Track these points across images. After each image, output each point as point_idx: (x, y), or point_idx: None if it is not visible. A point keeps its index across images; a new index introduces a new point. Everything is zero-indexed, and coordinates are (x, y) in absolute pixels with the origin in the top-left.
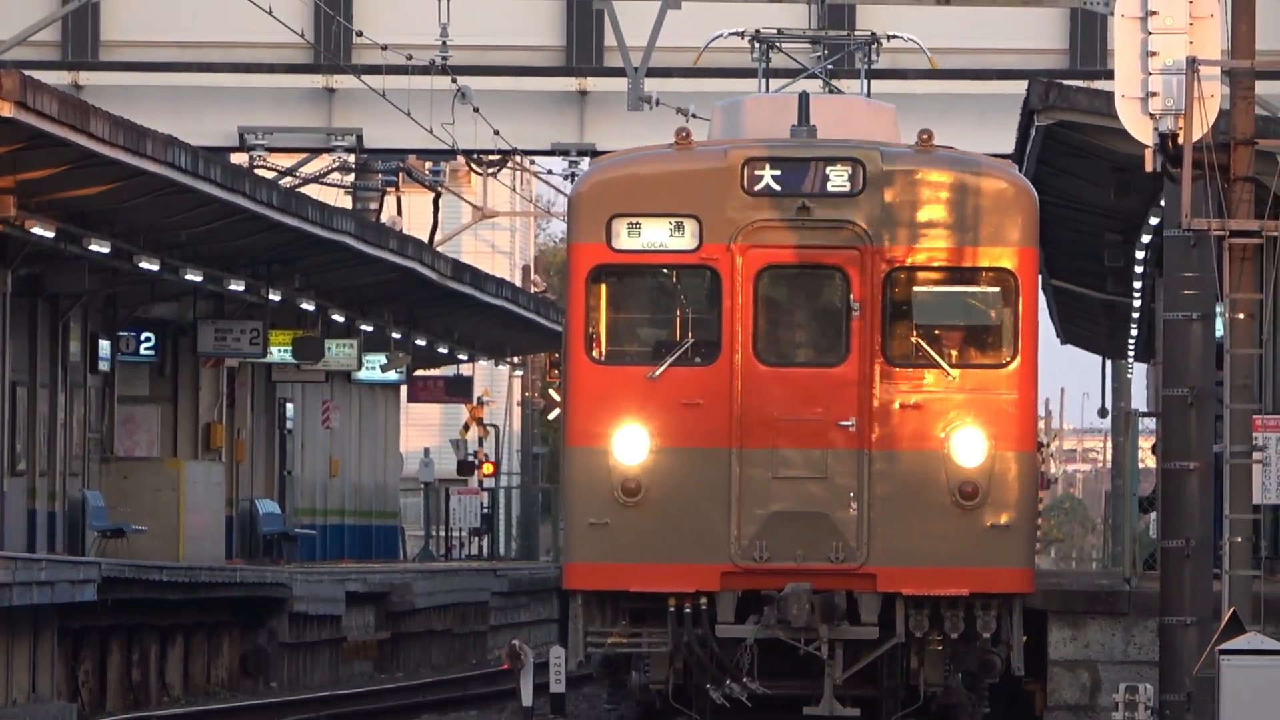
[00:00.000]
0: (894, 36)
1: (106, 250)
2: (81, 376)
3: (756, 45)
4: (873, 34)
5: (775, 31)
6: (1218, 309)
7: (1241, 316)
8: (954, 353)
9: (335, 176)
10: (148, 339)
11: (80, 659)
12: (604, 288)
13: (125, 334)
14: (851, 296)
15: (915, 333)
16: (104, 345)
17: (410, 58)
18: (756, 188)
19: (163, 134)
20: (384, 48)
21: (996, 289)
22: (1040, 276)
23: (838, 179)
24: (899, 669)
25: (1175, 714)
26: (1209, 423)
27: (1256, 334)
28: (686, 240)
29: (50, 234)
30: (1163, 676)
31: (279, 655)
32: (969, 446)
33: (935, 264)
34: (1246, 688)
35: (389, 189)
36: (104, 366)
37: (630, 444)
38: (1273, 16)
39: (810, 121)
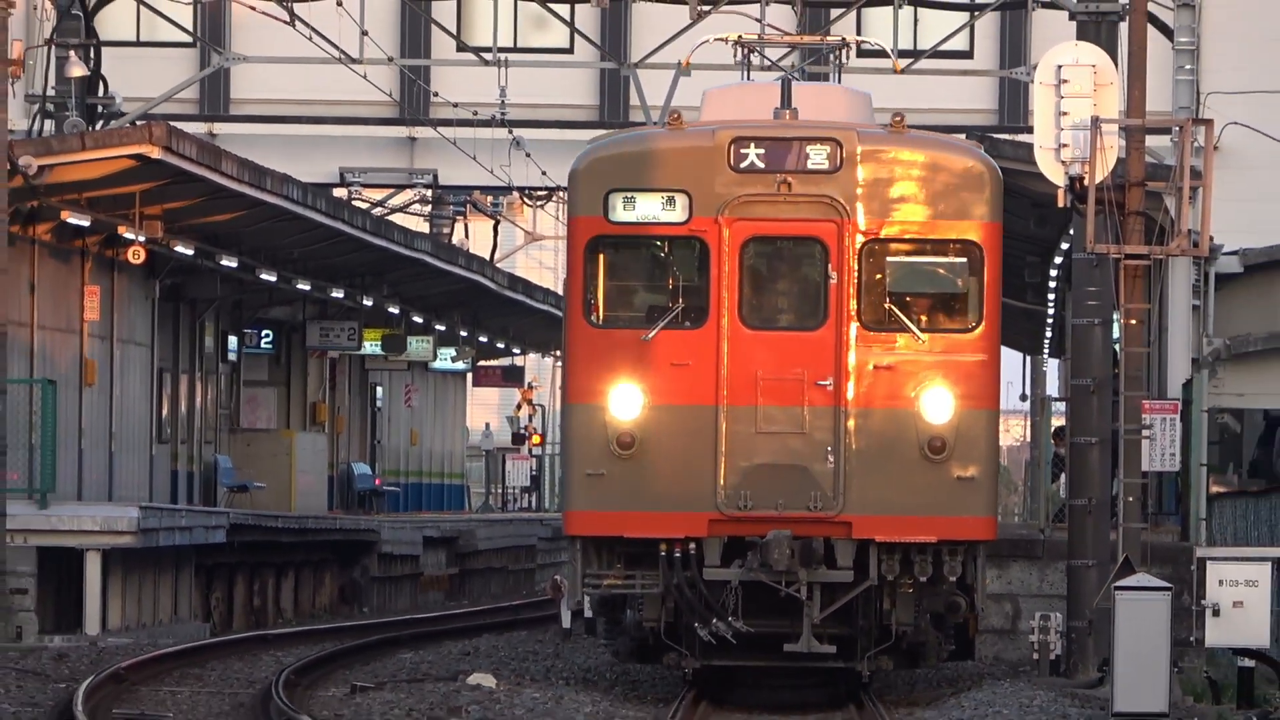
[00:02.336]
0: (863, 41)
1: (234, 264)
2: (214, 365)
3: (739, 49)
4: (843, 39)
5: (755, 37)
6: (1114, 316)
7: (1133, 322)
8: (924, 318)
9: (416, 207)
10: (267, 335)
11: (212, 589)
12: (601, 257)
13: (249, 331)
14: (829, 266)
15: (888, 299)
16: (232, 340)
17: (475, 113)
18: (742, 165)
19: (279, 173)
20: (455, 105)
21: (963, 259)
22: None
23: (817, 157)
24: (872, 610)
25: (1079, 637)
26: (1108, 406)
27: (1145, 336)
28: (678, 213)
29: (190, 252)
30: (1070, 607)
31: (369, 586)
32: (937, 405)
33: (907, 236)
34: (1135, 616)
35: (458, 217)
36: (232, 357)
37: (625, 401)
38: (1159, 84)
39: (792, 105)
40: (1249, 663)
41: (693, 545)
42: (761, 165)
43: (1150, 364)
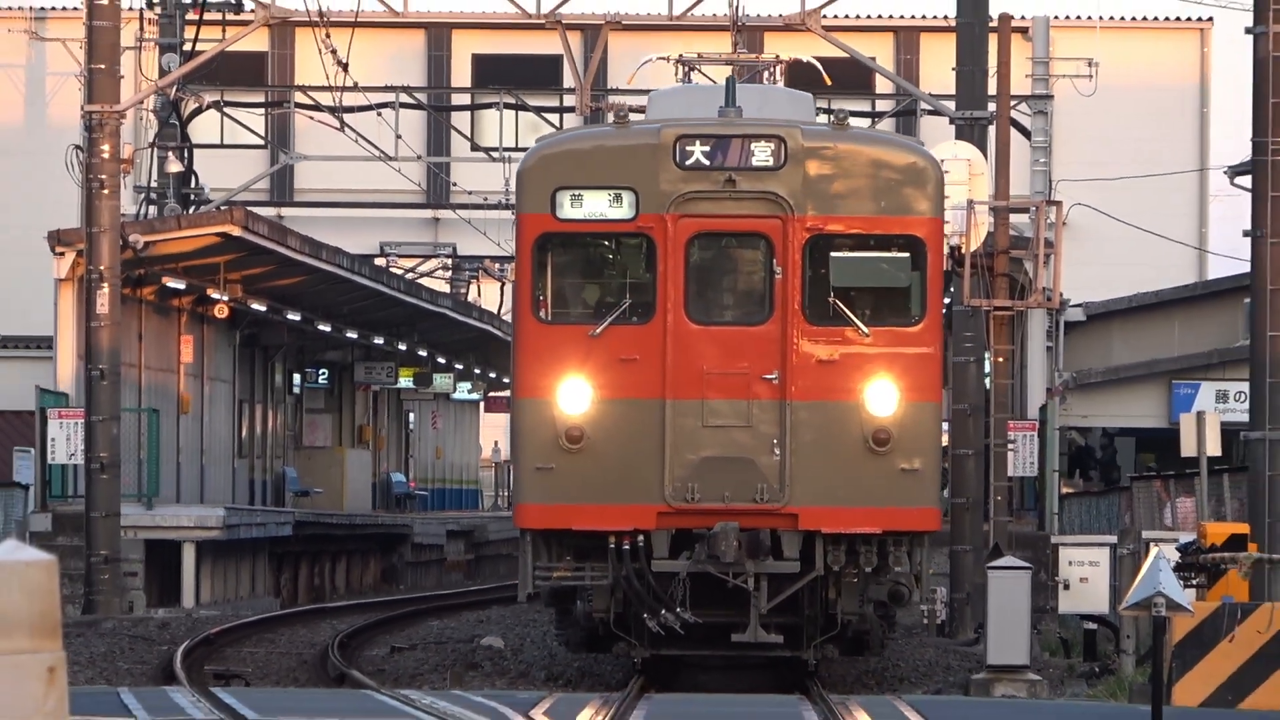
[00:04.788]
0: (797, 59)
1: (298, 318)
2: (282, 396)
3: (680, 67)
4: (777, 56)
5: (695, 55)
6: (986, 355)
7: (1000, 360)
8: (867, 312)
9: (439, 273)
10: (323, 373)
11: (281, 571)
12: (549, 254)
13: (309, 370)
14: (774, 261)
15: (832, 294)
16: (296, 377)
17: (486, 199)
18: (688, 162)
19: (332, 246)
20: (469, 193)
21: (906, 255)
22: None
23: (761, 154)
24: (818, 600)
25: (960, 606)
26: (981, 426)
27: (1010, 371)
28: (624, 210)
29: (263, 308)
30: (952, 583)
31: (405, 569)
32: (881, 397)
33: (851, 231)
34: (1003, 589)
35: (473, 280)
36: (296, 390)
37: (573, 396)
38: (1020, 174)
39: (736, 104)
40: (1092, 626)
41: (641, 537)
42: (706, 162)
43: (1014, 393)
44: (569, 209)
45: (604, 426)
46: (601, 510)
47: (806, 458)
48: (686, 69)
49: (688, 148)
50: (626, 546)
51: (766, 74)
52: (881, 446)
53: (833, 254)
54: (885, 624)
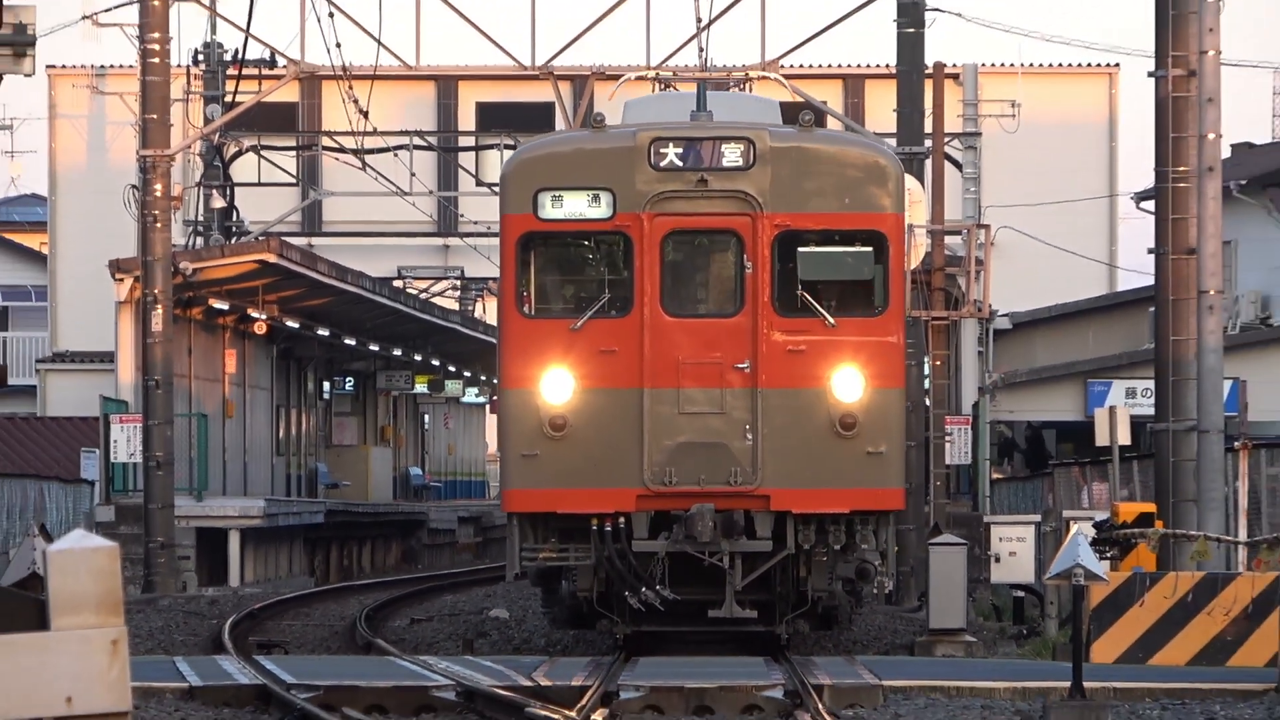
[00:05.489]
0: (764, 76)
1: (326, 333)
2: (314, 402)
3: (656, 85)
4: (746, 73)
5: (671, 73)
6: (925, 359)
7: (938, 363)
8: (834, 304)
9: (450, 293)
10: (350, 381)
11: (314, 554)
12: (531, 252)
13: (337, 378)
14: (745, 256)
15: (800, 287)
16: (325, 385)
17: (490, 228)
18: (662, 163)
19: (356, 270)
20: (475, 223)
21: (870, 249)
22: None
23: (732, 155)
24: (790, 577)
25: (905, 578)
26: (922, 420)
27: (946, 372)
28: (602, 209)
29: (296, 325)
30: (898, 557)
31: (422, 551)
32: (848, 384)
33: (817, 227)
34: (943, 563)
35: (479, 298)
36: (326, 396)
37: (556, 386)
38: (954, 201)
39: (707, 109)
40: (1020, 594)
41: (622, 519)
42: (680, 163)
43: (950, 391)
44: (550, 209)
45: (585, 415)
46: (584, 494)
47: (777, 442)
48: (662, 86)
49: (662, 150)
50: (608, 528)
51: (735, 89)
52: (848, 431)
53: (800, 249)
54: (853, 600)
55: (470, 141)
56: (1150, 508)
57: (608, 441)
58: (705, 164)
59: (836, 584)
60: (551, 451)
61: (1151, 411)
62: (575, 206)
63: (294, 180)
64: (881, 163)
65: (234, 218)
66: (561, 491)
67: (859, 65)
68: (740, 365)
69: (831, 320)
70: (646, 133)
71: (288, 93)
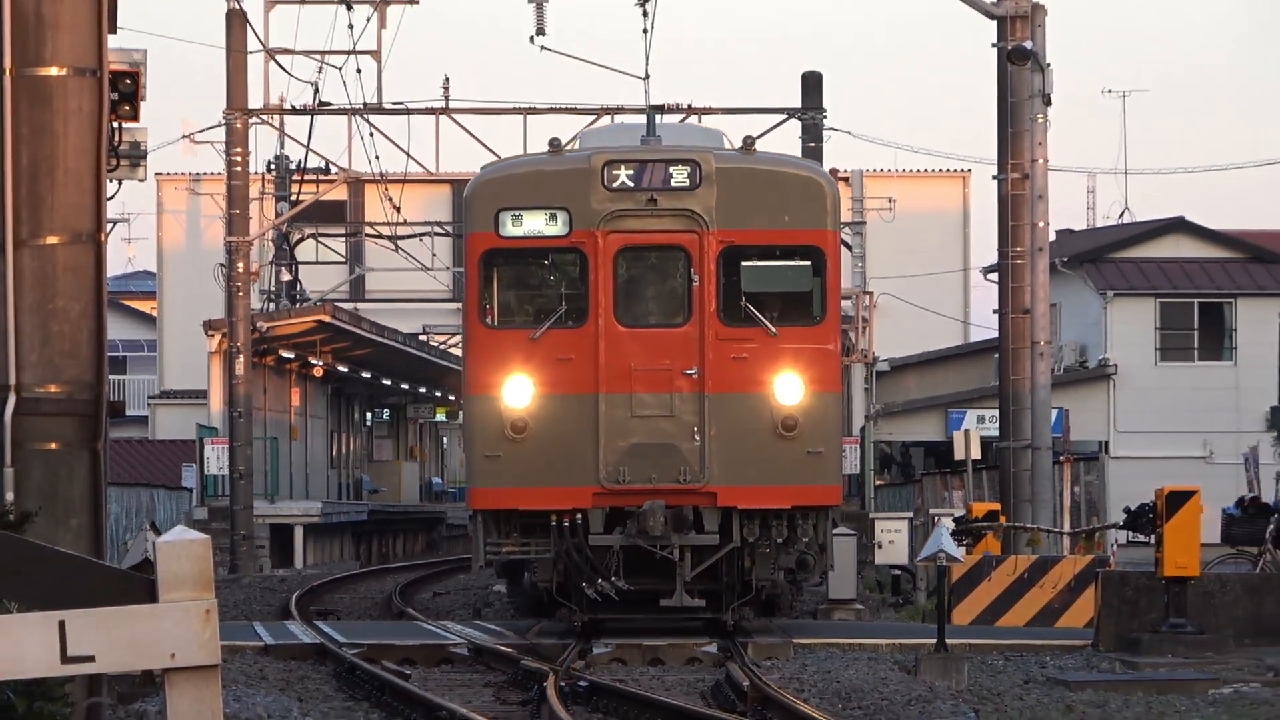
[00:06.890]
0: (709, 109)
1: (369, 376)
2: (359, 428)
3: (613, 119)
4: (690, 107)
5: (617, 107)
6: None
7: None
8: (775, 314)
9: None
10: (386, 412)
11: (359, 544)
12: (494, 268)
13: (377, 410)
14: (692, 270)
15: (744, 298)
16: (368, 415)
17: None
18: (614, 184)
19: (391, 328)
20: None
21: (808, 263)
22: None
23: (679, 176)
24: (735, 568)
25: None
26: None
27: (841, 404)
28: (559, 227)
29: (345, 369)
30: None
31: (441, 542)
32: (788, 388)
33: (759, 243)
34: (840, 549)
35: None
36: (368, 423)
37: (517, 391)
38: (847, 273)
39: (656, 134)
40: (898, 572)
41: (579, 516)
42: (631, 184)
43: (844, 418)
44: (510, 227)
45: (544, 418)
46: (543, 492)
47: (723, 443)
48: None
49: (614, 171)
50: (566, 524)
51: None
52: (789, 432)
53: (743, 263)
54: (794, 588)
55: None
56: (996, 506)
57: (565, 443)
58: (655, 184)
59: (779, 574)
60: (513, 453)
61: (997, 433)
62: (534, 225)
63: (343, 259)
64: (819, 182)
65: (298, 288)
66: (523, 490)
67: None
68: (689, 371)
69: (773, 329)
70: (600, 155)
71: (339, 193)
